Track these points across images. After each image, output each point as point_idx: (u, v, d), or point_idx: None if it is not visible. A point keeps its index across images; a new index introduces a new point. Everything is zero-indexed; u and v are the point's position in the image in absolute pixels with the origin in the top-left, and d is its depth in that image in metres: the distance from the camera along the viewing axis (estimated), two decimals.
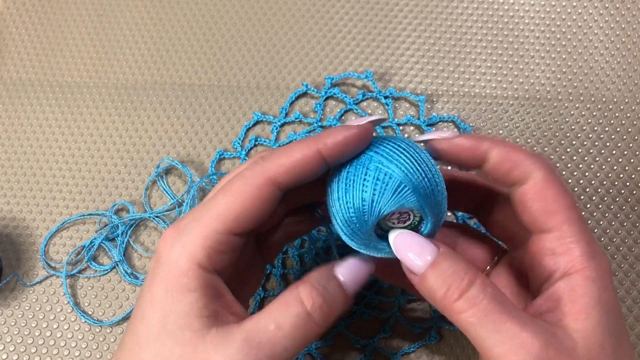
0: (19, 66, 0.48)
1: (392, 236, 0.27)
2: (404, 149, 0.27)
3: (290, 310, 0.26)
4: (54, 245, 0.42)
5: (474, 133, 0.29)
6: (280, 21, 0.47)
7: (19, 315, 0.41)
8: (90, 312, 0.40)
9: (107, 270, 0.41)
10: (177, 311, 0.26)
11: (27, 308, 0.41)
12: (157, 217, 0.42)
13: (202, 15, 0.48)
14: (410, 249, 0.26)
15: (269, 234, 0.33)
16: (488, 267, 0.32)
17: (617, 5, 0.45)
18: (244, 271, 0.31)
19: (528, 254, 0.28)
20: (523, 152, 0.28)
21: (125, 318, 0.40)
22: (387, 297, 0.39)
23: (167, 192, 0.43)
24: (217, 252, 0.27)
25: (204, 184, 0.42)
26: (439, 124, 0.43)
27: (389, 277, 0.33)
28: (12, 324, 0.40)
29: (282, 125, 0.44)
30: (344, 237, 0.28)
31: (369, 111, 0.44)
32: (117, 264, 0.41)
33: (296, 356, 0.27)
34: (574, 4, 0.46)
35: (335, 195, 0.27)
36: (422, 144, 0.29)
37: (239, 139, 0.43)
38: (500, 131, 0.42)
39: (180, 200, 0.42)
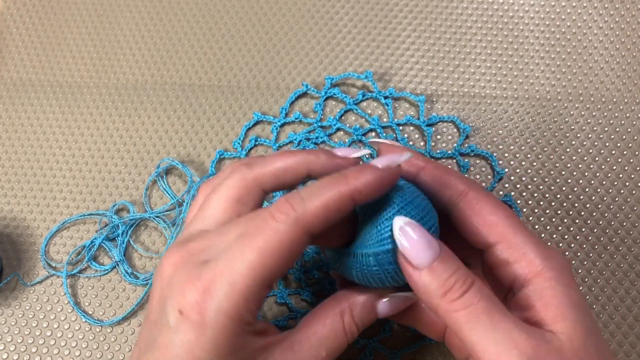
0: (19, 66, 0.48)
1: (398, 224, 0.26)
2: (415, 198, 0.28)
3: (338, 342, 0.28)
4: (54, 245, 0.42)
5: (399, 145, 0.29)
6: (280, 21, 0.47)
7: (20, 315, 0.41)
8: (90, 312, 0.40)
9: (107, 270, 0.41)
10: None
11: (27, 308, 0.41)
12: (157, 217, 0.42)
13: (202, 16, 0.48)
14: (417, 242, 0.26)
15: None
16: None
17: (617, 6, 0.45)
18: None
19: (486, 270, 0.29)
20: (453, 174, 0.28)
21: (126, 317, 0.40)
22: None
23: (167, 192, 0.43)
24: (256, 305, 0.26)
25: None
26: (439, 124, 0.43)
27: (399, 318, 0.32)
28: (13, 323, 0.41)
29: (282, 126, 0.44)
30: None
31: (369, 111, 0.44)
32: (118, 264, 0.41)
33: None
34: (574, 4, 0.46)
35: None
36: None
37: (239, 139, 0.44)
38: (500, 131, 0.43)
39: (180, 200, 0.42)
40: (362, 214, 0.28)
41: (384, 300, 0.29)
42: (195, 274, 0.25)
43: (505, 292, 0.28)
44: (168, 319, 0.25)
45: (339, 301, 0.29)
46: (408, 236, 0.26)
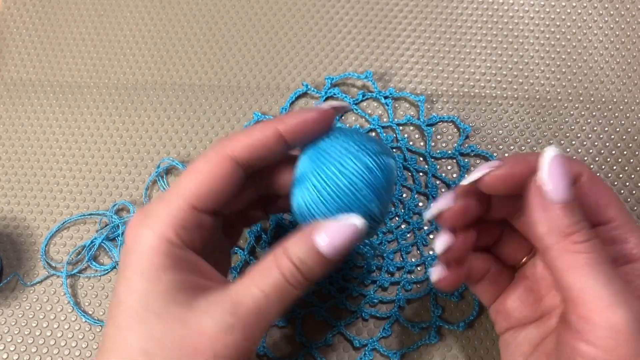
0: (19, 66, 0.48)
1: (552, 153, 0.26)
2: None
3: (271, 278, 0.27)
4: (54, 245, 0.42)
5: (504, 157, 0.28)
6: (280, 21, 0.47)
7: (20, 315, 0.41)
8: (90, 312, 0.40)
9: (107, 270, 0.41)
10: (157, 291, 0.26)
11: (27, 308, 0.41)
12: None
13: (202, 16, 0.48)
14: (562, 176, 0.25)
15: (235, 218, 0.34)
16: (525, 259, 0.32)
17: (617, 6, 0.45)
18: (212, 254, 0.31)
19: None
20: (571, 159, 0.29)
21: None
22: (387, 296, 0.39)
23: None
24: (185, 229, 0.28)
25: None
26: (439, 124, 0.43)
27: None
28: (13, 323, 0.41)
29: None
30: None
31: (369, 111, 0.44)
32: (118, 264, 0.41)
33: (276, 319, 0.29)
34: (574, 4, 0.46)
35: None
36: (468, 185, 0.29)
37: None
38: (500, 131, 0.43)
39: None
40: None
41: (322, 228, 0.27)
42: (141, 210, 0.28)
43: None
44: (130, 255, 0.28)
45: (276, 247, 0.28)
46: (553, 167, 0.26)
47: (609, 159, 0.41)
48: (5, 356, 0.40)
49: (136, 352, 0.26)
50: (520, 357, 0.30)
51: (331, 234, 0.27)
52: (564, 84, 0.44)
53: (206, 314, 0.26)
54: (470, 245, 0.30)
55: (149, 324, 0.26)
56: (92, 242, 0.42)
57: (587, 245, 0.25)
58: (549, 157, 0.26)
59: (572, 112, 0.43)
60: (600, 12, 0.45)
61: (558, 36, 0.45)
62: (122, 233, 0.42)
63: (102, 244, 0.42)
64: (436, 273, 0.30)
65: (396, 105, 0.44)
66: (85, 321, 0.40)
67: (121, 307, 0.27)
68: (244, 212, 0.34)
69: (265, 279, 0.27)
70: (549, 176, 0.25)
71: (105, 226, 0.42)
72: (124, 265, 0.28)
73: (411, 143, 0.43)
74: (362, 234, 0.28)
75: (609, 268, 0.25)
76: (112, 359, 0.26)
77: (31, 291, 0.41)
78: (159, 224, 0.27)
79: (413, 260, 0.40)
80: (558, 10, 0.46)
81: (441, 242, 0.29)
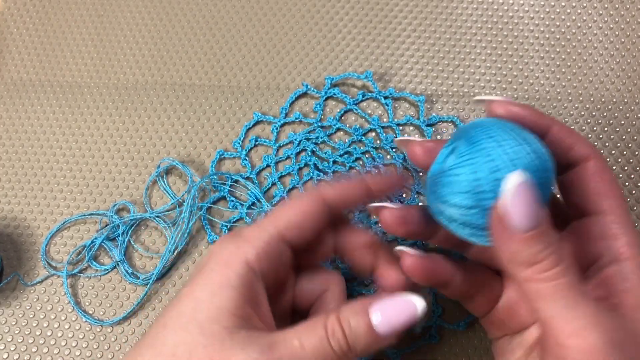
0: (19, 66, 0.48)
1: (515, 180, 0.23)
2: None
3: (315, 333, 0.26)
4: (54, 245, 0.42)
5: (530, 105, 0.28)
6: (280, 21, 0.47)
7: (20, 315, 0.41)
8: (91, 312, 0.40)
9: (107, 269, 0.41)
10: (212, 304, 0.26)
11: (27, 308, 0.41)
12: (157, 217, 0.42)
13: (202, 16, 0.48)
14: (526, 204, 0.24)
15: (306, 256, 0.33)
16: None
17: (617, 6, 0.45)
18: (279, 286, 0.31)
19: (572, 237, 0.28)
20: (580, 136, 0.28)
21: (126, 317, 0.40)
22: None
23: (167, 192, 0.43)
24: (266, 254, 0.28)
25: (204, 184, 0.42)
26: (439, 124, 0.43)
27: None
28: (13, 323, 0.41)
29: (282, 126, 0.44)
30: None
31: (369, 111, 0.44)
32: (118, 264, 0.41)
33: None
34: (574, 4, 0.46)
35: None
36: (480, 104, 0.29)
37: (239, 139, 0.44)
38: None
39: (180, 200, 0.42)
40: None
41: (379, 301, 0.27)
42: (235, 230, 0.30)
43: (586, 263, 0.28)
44: (204, 265, 0.28)
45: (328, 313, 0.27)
46: (513, 197, 0.24)
47: (608, 159, 0.41)
48: (5, 356, 0.40)
49: (166, 356, 0.26)
50: None
51: (389, 312, 0.27)
52: (563, 84, 0.44)
53: (241, 347, 0.26)
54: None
55: (188, 332, 0.26)
56: (92, 242, 0.42)
57: (554, 273, 0.24)
58: (513, 185, 0.24)
59: (572, 112, 0.43)
60: (600, 12, 0.45)
61: (558, 36, 0.45)
62: (123, 233, 0.42)
63: (103, 244, 0.42)
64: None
65: (396, 105, 0.44)
66: (86, 321, 0.40)
67: (175, 308, 0.27)
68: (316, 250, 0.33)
69: (309, 333, 0.26)
70: (512, 206, 0.24)
71: (106, 226, 0.42)
72: (198, 269, 0.28)
73: None
74: (420, 316, 0.27)
75: (578, 291, 0.24)
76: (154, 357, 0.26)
77: (31, 291, 0.41)
78: (245, 244, 0.28)
79: None
80: (558, 10, 0.46)
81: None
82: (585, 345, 0.23)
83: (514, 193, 0.24)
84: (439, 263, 0.30)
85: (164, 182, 0.43)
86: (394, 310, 0.27)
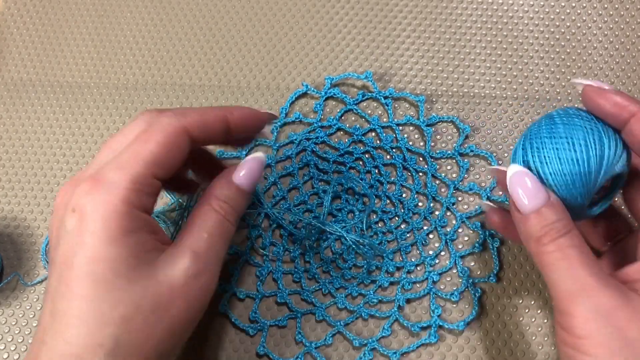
0: (19, 66, 0.48)
1: (511, 171, 0.29)
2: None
3: (213, 220, 0.31)
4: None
5: (622, 92, 0.30)
6: (280, 21, 0.47)
7: (20, 315, 0.41)
8: None
9: None
10: (125, 255, 0.27)
11: (28, 307, 0.41)
12: (157, 217, 0.42)
13: (202, 16, 0.48)
14: (524, 188, 0.29)
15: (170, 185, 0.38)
16: (608, 243, 0.35)
17: (616, 6, 0.45)
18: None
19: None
20: None
21: None
22: (386, 296, 0.39)
23: (167, 193, 0.43)
24: (146, 195, 0.29)
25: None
26: (439, 124, 0.43)
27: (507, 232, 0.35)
28: (13, 323, 0.41)
29: (282, 126, 0.44)
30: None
31: (369, 111, 0.44)
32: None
33: (225, 252, 0.32)
34: (574, 4, 0.46)
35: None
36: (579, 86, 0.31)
37: None
38: (500, 131, 0.43)
39: (181, 201, 0.42)
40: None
41: (239, 169, 0.33)
42: (85, 175, 0.28)
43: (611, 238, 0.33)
44: (64, 229, 0.28)
45: (202, 196, 0.33)
46: (512, 183, 0.29)
47: None
48: (5, 356, 0.40)
49: (115, 321, 0.26)
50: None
51: (243, 170, 0.33)
52: (563, 84, 0.44)
53: (172, 268, 0.29)
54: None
55: (122, 290, 0.27)
56: None
57: (554, 244, 0.28)
58: (510, 174, 0.29)
59: None
60: (600, 12, 0.45)
61: (558, 36, 0.45)
62: None
63: None
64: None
65: (396, 105, 0.44)
66: None
67: (85, 278, 0.26)
68: (179, 181, 0.38)
69: (208, 222, 0.31)
70: (512, 192, 0.29)
71: None
72: (80, 234, 0.27)
73: (411, 143, 0.43)
74: (264, 164, 0.34)
75: (577, 260, 0.27)
76: (83, 334, 0.26)
77: (31, 291, 0.41)
78: (120, 189, 0.28)
79: (412, 260, 0.40)
80: (558, 10, 0.46)
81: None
82: (581, 312, 0.26)
83: (512, 181, 0.29)
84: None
85: None
86: (248, 169, 0.33)
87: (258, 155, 0.34)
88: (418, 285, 0.39)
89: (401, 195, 0.41)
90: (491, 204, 0.35)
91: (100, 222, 0.27)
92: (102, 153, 0.30)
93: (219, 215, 0.32)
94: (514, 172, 0.29)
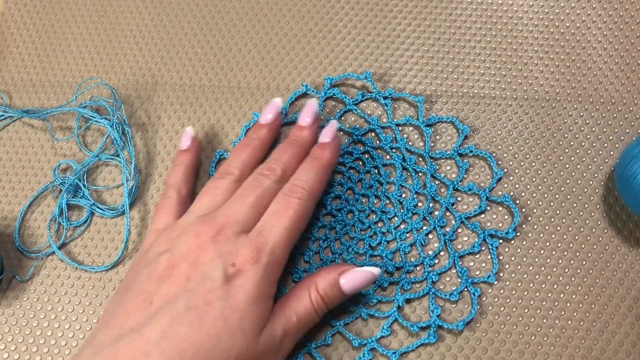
0: (19, 66, 0.48)
1: None
2: None
3: (305, 308, 0.35)
4: (33, 234, 0.42)
5: None
6: (280, 22, 0.47)
7: (20, 315, 0.41)
8: (97, 262, 0.41)
9: (88, 217, 0.43)
10: (255, 314, 0.33)
11: (28, 307, 0.41)
12: (97, 156, 0.44)
13: (202, 16, 0.48)
14: None
15: None
16: None
17: (616, 6, 0.45)
18: None
19: None
20: None
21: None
22: (386, 296, 0.39)
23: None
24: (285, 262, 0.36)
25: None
26: (438, 124, 0.43)
27: None
28: (13, 323, 0.41)
29: (282, 126, 0.44)
30: None
31: (369, 112, 0.44)
32: (93, 206, 0.43)
33: (301, 336, 0.36)
34: (573, 4, 0.46)
35: None
36: None
37: (239, 140, 0.44)
38: (500, 131, 0.43)
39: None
40: None
41: (345, 274, 0.36)
42: (245, 241, 0.34)
43: None
44: (217, 274, 0.32)
45: (308, 278, 0.36)
46: None
47: (607, 160, 0.41)
48: (5, 356, 0.40)
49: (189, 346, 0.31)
50: None
51: (353, 279, 0.36)
52: (563, 84, 0.44)
53: (267, 340, 0.33)
54: None
55: (236, 340, 0.32)
56: (59, 207, 0.43)
57: None
58: None
59: (571, 113, 0.43)
60: (600, 12, 0.45)
61: (557, 36, 0.45)
62: (80, 180, 0.42)
63: (69, 202, 0.43)
64: None
65: (396, 105, 0.44)
66: (96, 272, 0.41)
67: (219, 319, 0.31)
68: None
69: (301, 308, 0.35)
70: None
71: (60, 192, 0.43)
72: (231, 285, 0.33)
73: (410, 143, 0.43)
74: (375, 281, 0.37)
75: None
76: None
77: (32, 291, 0.41)
78: (280, 265, 0.35)
79: (412, 260, 0.40)
80: (557, 11, 0.46)
81: None
82: None
83: None
84: None
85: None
86: (357, 277, 0.36)
87: (373, 270, 0.36)
88: (417, 285, 0.40)
89: (400, 196, 0.41)
90: None
91: (255, 285, 0.33)
92: (236, 207, 0.36)
93: (312, 308, 0.35)
94: None
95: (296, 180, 0.36)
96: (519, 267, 0.40)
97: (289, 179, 0.37)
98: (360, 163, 0.42)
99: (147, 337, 0.30)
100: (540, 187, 0.41)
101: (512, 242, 0.40)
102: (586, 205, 0.41)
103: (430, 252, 0.40)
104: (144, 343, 0.30)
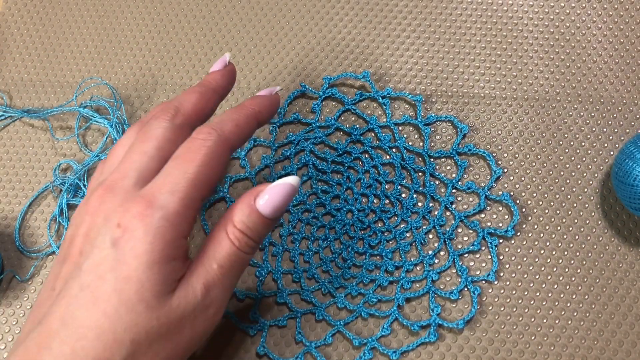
0: (19, 66, 0.48)
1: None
2: None
3: (225, 250, 0.30)
4: (33, 234, 0.42)
5: None
6: (280, 22, 0.47)
7: (20, 315, 0.41)
8: None
9: None
10: (156, 280, 0.28)
11: (28, 307, 0.41)
12: (97, 156, 0.44)
13: (202, 16, 0.48)
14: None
15: None
16: None
17: (616, 6, 0.45)
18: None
19: None
20: None
21: None
22: (386, 295, 0.39)
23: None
24: (191, 220, 0.29)
25: None
26: (437, 123, 0.43)
27: None
28: (14, 323, 0.41)
29: (280, 126, 0.44)
30: None
31: (368, 111, 0.44)
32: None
33: (236, 282, 0.32)
34: (573, 4, 0.46)
35: None
36: None
37: None
38: (499, 131, 0.43)
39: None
40: None
41: (260, 195, 0.30)
42: (133, 194, 0.29)
43: None
44: (103, 240, 0.28)
45: (223, 216, 0.31)
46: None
47: (607, 160, 0.41)
48: (5, 356, 0.40)
49: (125, 343, 0.27)
50: None
51: (270, 197, 0.30)
52: (563, 84, 0.44)
53: (185, 300, 0.29)
54: None
55: (139, 315, 0.27)
56: (59, 207, 0.42)
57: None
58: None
59: (570, 113, 0.43)
60: (599, 12, 0.45)
61: (557, 37, 0.45)
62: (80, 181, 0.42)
63: (69, 202, 0.43)
64: None
65: (396, 105, 0.44)
66: None
67: (113, 295, 0.27)
68: None
69: (220, 252, 0.30)
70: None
71: (61, 191, 0.43)
72: (121, 249, 0.27)
73: (410, 143, 0.43)
74: (296, 191, 0.31)
75: None
76: (95, 349, 0.27)
77: (32, 290, 0.41)
78: (173, 216, 0.28)
79: (412, 259, 0.40)
80: (557, 10, 0.46)
81: None
82: None
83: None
84: None
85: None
86: (275, 192, 0.30)
87: (289, 180, 0.31)
88: (417, 284, 0.40)
89: (400, 195, 0.41)
90: None
91: (147, 246, 0.27)
92: (131, 158, 0.30)
93: (233, 246, 0.30)
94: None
95: (207, 124, 0.31)
96: (519, 266, 0.40)
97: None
98: (359, 163, 0.42)
99: (49, 327, 0.27)
100: (540, 187, 0.41)
101: (512, 241, 0.40)
102: (586, 205, 0.41)
103: (429, 251, 0.40)
104: (46, 334, 0.27)
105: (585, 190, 0.41)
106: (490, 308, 0.39)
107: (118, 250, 0.27)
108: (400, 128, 0.43)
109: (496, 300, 0.39)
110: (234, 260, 0.30)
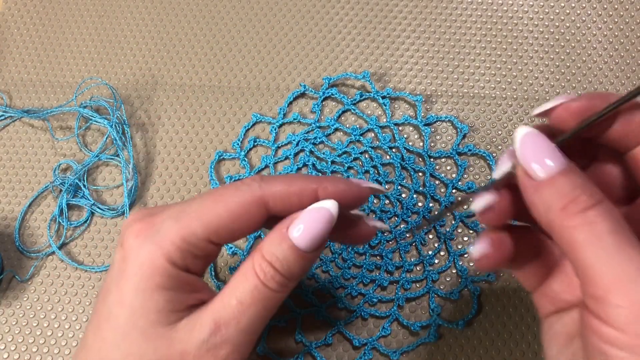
0: (19, 66, 0.48)
1: (521, 133, 0.24)
2: None
3: (248, 284, 0.26)
4: (33, 234, 0.42)
5: (588, 94, 0.26)
6: (280, 22, 0.47)
7: (20, 315, 0.41)
8: (97, 263, 0.41)
9: (88, 217, 0.43)
10: (148, 308, 0.26)
11: (28, 307, 0.41)
12: (97, 156, 0.44)
13: (202, 16, 0.48)
14: (538, 152, 0.23)
15: None
16: None
17: (616, 6, 0.45)
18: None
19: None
20: None
21: None
22: (386, 296, 0.39)
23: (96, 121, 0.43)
24: (194, 256, 0.27)
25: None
26: (437, 123, 0.43)
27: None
28: (13, 323, 0.41)
29: (280, 126, 0.44)
30: None
31: (368, 111, 0.44)
32: (93, 207, 0.42)
33: (265, 324, 0.27)
34: (573, 4, 0.46)
35: None
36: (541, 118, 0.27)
37: (239, 140, 0.44)
38: (500, 131, 0.43)
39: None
40: None
41: (293, 224, 0.26)
42: (149, 220, 0.27)
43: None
44: (113, 259, 0.27)
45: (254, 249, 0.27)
46: (523, 146, 0.23)
47: None
48: (5, 356, 0.40)
49: None
50: (555, 348, 0.26)
51: (305, 223, 0.26)
52: (563, 84, 0.44)
53: (189, 335, 0.26)
54: (511, 205, 0.26)
55: (133, 344, 0.26)
56: (59, 207, 0.43)
57: (586, 216, 0.21)
58: (519, 138, 0.23)
59: None
60: (599, 12, 0.45)
61: (557, 37, 0.45)
62: (80, 182, 0.42)
63: (69, 202, 0.43)
64: (478, 249, 0.26)
65: (396, 105, 0.44)
66: (96, 272, 0.41)
67: (110, 320, 0.26)
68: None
69: (242, 286, 0.26)
70: (524, 157, 0.23)
71: (61, 191, 0.43)
72: (120, 271, 0.26)
73: (410, 143, 0.43)
74: (335, 219, 0.26)
75: (622, 236, 0.21)
76: None
77: (32, 290, 0.41)
78: (167, 244, 0.26)
79: (412, 259, 0.40)
80: (557, 10, 0.46)
81: (481, 200, 0.26)
82: (629, 301, 0.20)
83: (522, 143, 0.23)
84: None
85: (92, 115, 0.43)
86: (309, 221, 0.26)
87: (326, 205, 0.26)
88: (417, 284, 0.40)
89: (400, 195, 0.41)
90: (483, 199, 0.26)
91: (137, 269, 0.26)
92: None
93: (257, 279, 0.26)
94: (524, 133, 0.23)
95: (263, 175, 0.28)
96: None
97: None
98: (359, 163, 0.42)
99: (79, 348, 0.27)
100: None
101: None
102: None
103: (429, 252, 0.40)
104: (75, 356, 0.28)
105: None
106: (491, 307, 0.39)
107: (117, 271, 0.27)
108: (400, 128, 0.43)
109: (496, 299, 0.39)
110: (256, 296, 0.26)
